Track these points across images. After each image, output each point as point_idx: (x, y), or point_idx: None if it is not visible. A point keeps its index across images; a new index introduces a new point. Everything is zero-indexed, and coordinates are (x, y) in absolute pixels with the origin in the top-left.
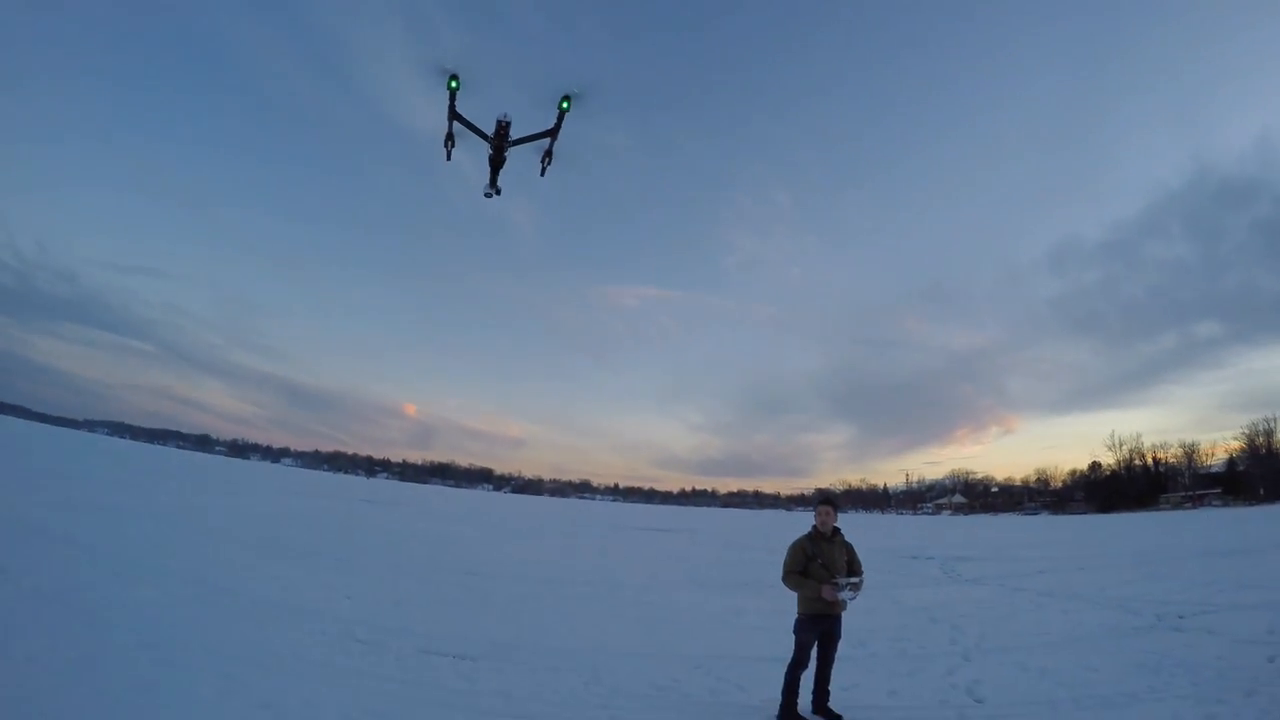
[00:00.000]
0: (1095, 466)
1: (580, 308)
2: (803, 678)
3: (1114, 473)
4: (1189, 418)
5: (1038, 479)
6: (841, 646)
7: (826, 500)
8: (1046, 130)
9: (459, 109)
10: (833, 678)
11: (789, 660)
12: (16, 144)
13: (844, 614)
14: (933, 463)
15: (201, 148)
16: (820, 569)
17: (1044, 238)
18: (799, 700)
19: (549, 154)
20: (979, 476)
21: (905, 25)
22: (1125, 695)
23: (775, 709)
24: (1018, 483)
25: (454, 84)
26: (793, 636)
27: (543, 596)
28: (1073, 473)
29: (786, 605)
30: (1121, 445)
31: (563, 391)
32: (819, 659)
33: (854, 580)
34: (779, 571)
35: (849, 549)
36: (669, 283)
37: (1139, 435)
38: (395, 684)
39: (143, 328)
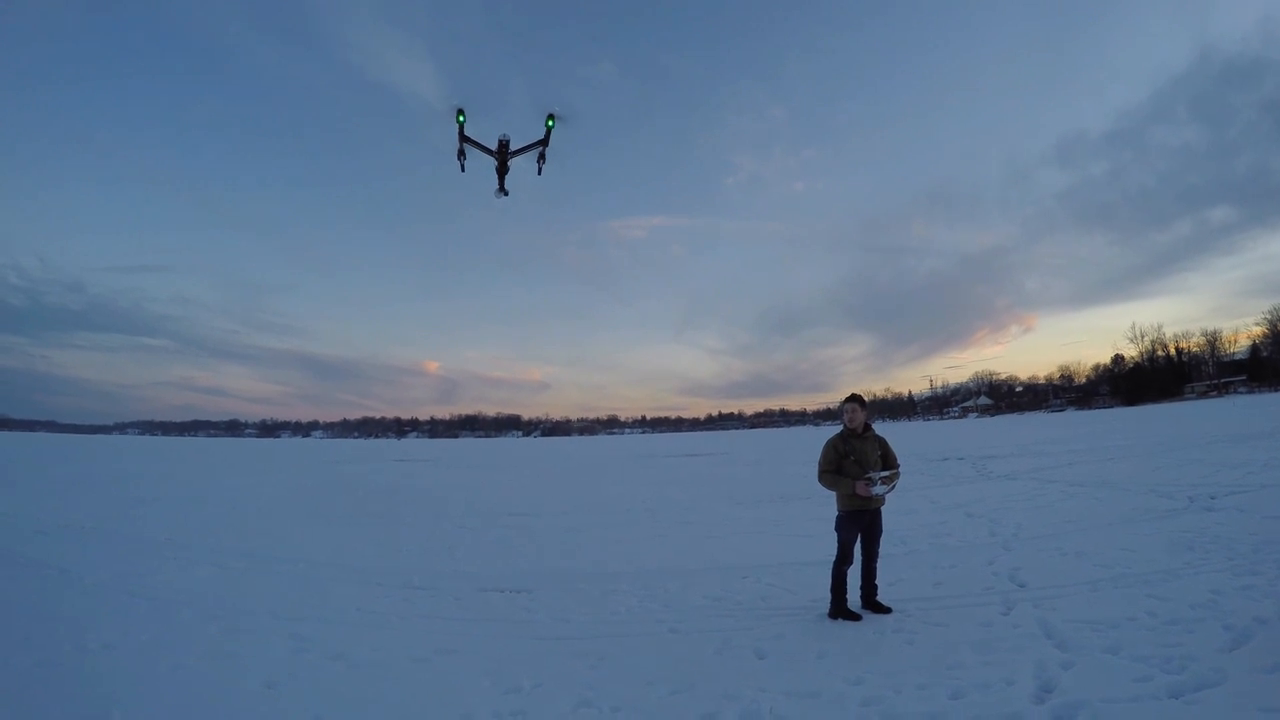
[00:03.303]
0: (1118, 360)
1: (587, 245)
2: (850, 574)
3: (1138, 365)
4: (1209, 306)
5: (1062, 376)
6: (883, 545)
7: (852, 398)
8: (1043, 20)
9: (467, 133)
10: (879, 573)
11: (834, 558)
12: (4, 159)
13: (883, 511)
14: (955, 366)
15: (188, 136)
16: (854, 465)
17: (1049, 131)
18: (848, 596)
19: (542, 157)
20: (1003, 377)
21: None
22: (1163, 572)
23: (826, 607)
24: (1042, 380)
25: (461, 118)
26: (835, 535)
27: (587, 528)
28: (1096, 367)
29: (825, 512)
30: (1143, 337)
31: (580, 331)
32: (863, 554)
33: (886, 474)
34: (812, 483)
35: (882, 443)
36: (673, 210)
37: (1160, 326)
38: (458, 622)
39: (156, 324)
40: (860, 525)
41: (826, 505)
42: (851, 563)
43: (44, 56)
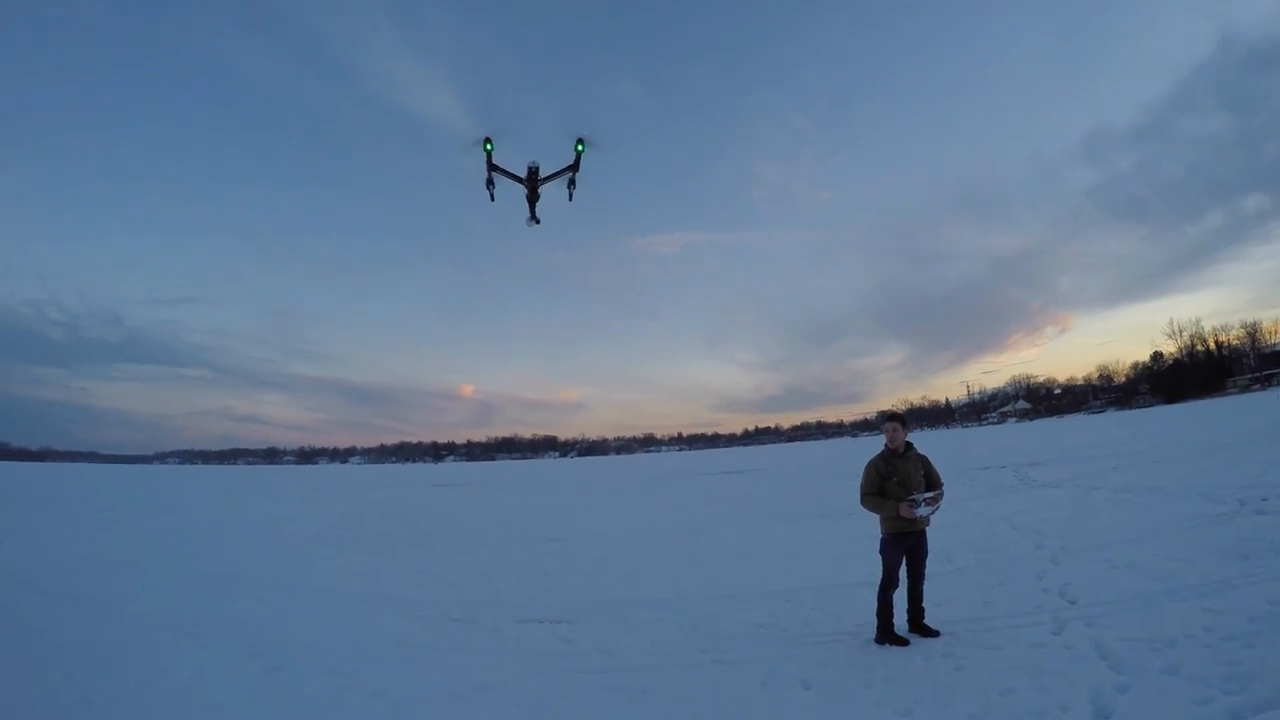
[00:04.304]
0: (1157, 357)
1: (617, 263)
2: (895, 597)
3: (1177, 361)
4: (1247, 296)
5: (1100, 376)
6: (929, 563)
7: (892, 417)
8: (1062, 15)
9: (495, 162)
10: (925, 594)
11: (879, 582)
12: (45, 196)
13: (928, 529)
14: (991, 371)
15: (219, 170)
16: (896, 487)
17: (1074, 128)
18: (895, 620)
19: (572, 182)
20: (1040, 380)
21: None
22: (1218, 582)
23: (872, 632)
24: (1080, 382)
25: (489, 146)
26: (880, 558)
27: (626, 552)
28: (1135, 365)
29: (869, 530)
30: (1181, 332)
31: (613, 349)
32: (909, 577)
33: (930, 495)
34: (852, 498)
35: (925, 463)
36: (702, 225)
37: (1198, 320)
38: (497, 656)
39: (194, 355)
40: (905, 548)
41: (869, 523)
42: (897, 586)
43: (83, 96)
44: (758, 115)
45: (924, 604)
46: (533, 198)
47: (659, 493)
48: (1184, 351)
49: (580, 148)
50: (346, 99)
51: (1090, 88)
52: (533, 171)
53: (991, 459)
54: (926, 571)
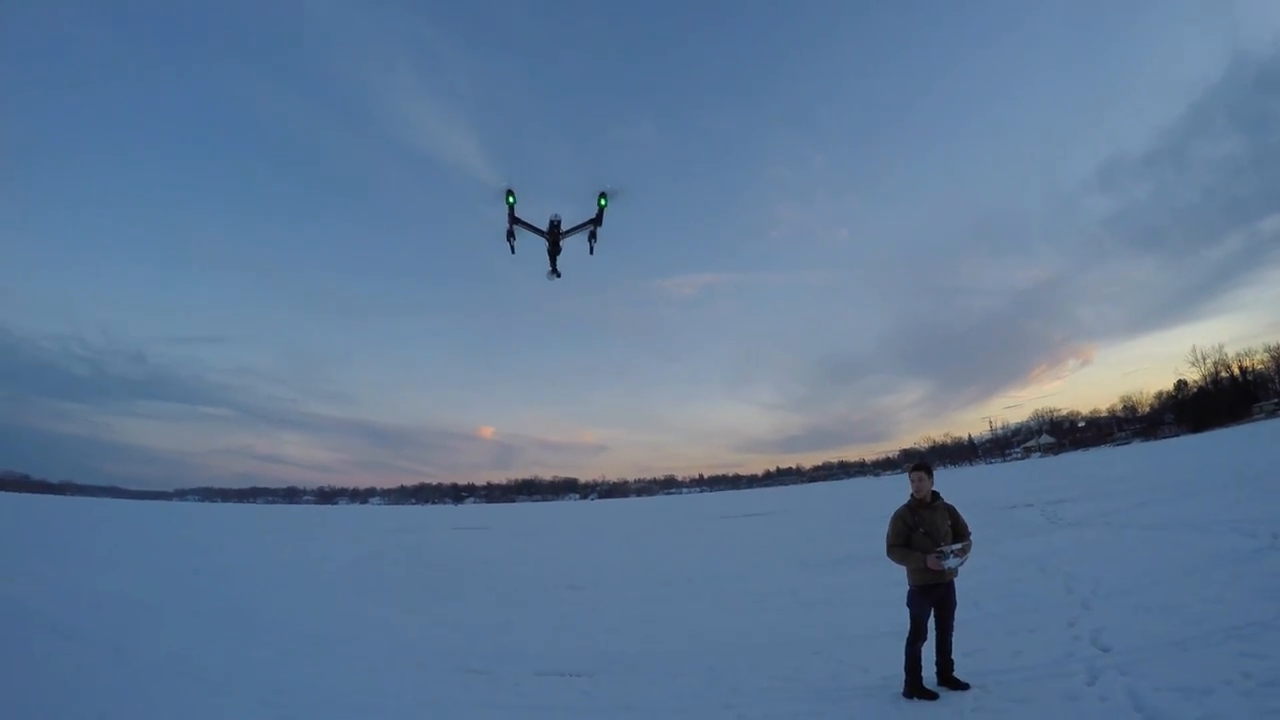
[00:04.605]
0: (1181, 385)
1: (637, 306)
2: (924, 650)
3: (1202, 389)
4: (1269, 320)
5: (1124, 407)
6: (957, 611)
7: (919, 466)
8: (1073, 46)
9: (517, 215)
10: (954, 644)
11: (906, 635)
12: (69, 231)
13: (956, 577)
14: (1014, 406)
15: (241, 210)
16: (923, 538)
17: (1089, 157)
18: (923, 673)
19: (594, 235)
20: (1063, 413)
21: None
22: (1255, 625)
23: (900, 685)
24: (1104, 413)
25: (511, 199)
26: (907, 609)
27: (646, 601)
28: (1159, 395)
29: (894, 577)
30: (1205, 359)
31: (633, 391)
32: (937, 628)
33: (957, 547)
34: (877, 542)
35: (952, 512)
36: (721, 266)
37: (1221, 346)
38: (515, 710)
39: (215, 394)
40: (933, 600)
41: (894, 570)
42: (925, 639)
43: (110, 135)
44: (775, 155)
45: (953, 655)
46: (554, 251)
47: (680, 536)
48: (1208, 379)
49: (603, 202)
50: (367, 141)
51: (1104, 115)
52: (554, 225)
53: (1018, 497)
54: (954, 621)
